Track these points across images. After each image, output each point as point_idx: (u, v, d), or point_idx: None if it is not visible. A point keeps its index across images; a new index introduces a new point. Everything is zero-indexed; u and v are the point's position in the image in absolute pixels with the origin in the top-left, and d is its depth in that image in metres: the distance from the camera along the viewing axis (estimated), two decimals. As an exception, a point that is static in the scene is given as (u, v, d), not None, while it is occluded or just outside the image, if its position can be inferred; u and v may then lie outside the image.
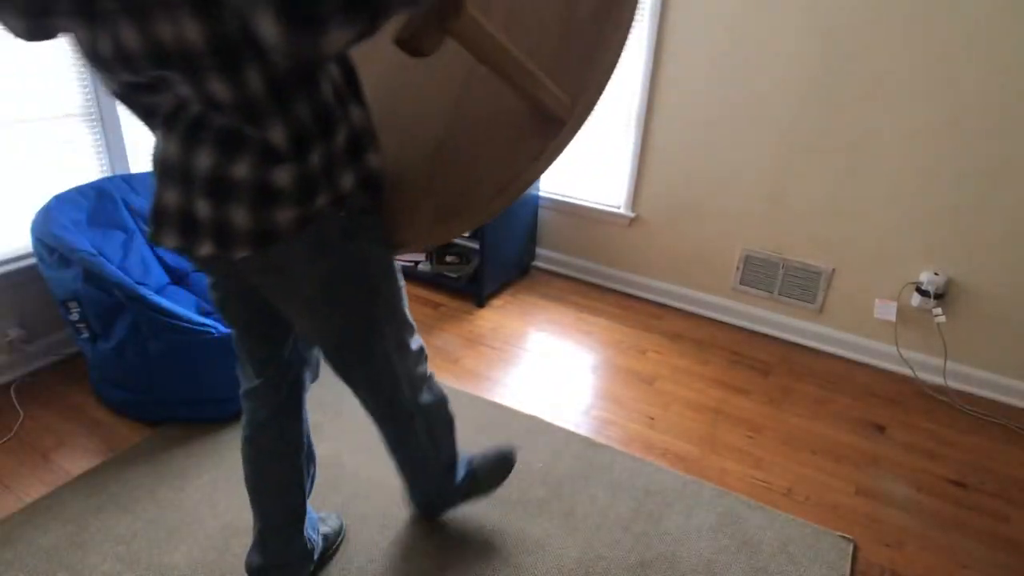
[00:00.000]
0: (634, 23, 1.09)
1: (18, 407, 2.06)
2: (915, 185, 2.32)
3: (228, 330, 1.97)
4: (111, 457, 1.87)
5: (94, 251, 1.93)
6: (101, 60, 0.99)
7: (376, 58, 1.35)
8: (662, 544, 1.69)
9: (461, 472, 1.61)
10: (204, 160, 0.99)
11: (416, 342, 1.34)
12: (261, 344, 1.32)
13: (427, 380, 1.40)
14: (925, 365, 2.50)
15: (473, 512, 1.74)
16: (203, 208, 1.01)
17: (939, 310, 2.36)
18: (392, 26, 1.24)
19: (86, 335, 1.97)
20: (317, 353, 1.45)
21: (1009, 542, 1.79)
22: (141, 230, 2.26)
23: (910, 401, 2.38)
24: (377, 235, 1.16)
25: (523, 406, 2.21)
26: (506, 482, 1.85)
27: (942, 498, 1.93)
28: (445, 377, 2.34)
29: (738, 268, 2.75)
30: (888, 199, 2.38)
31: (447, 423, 1.48)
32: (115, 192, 2.21)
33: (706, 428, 2.16)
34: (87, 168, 2.27)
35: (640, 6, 1.07)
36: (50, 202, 2.03)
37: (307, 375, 1.44)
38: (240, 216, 1.00)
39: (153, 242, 1.08)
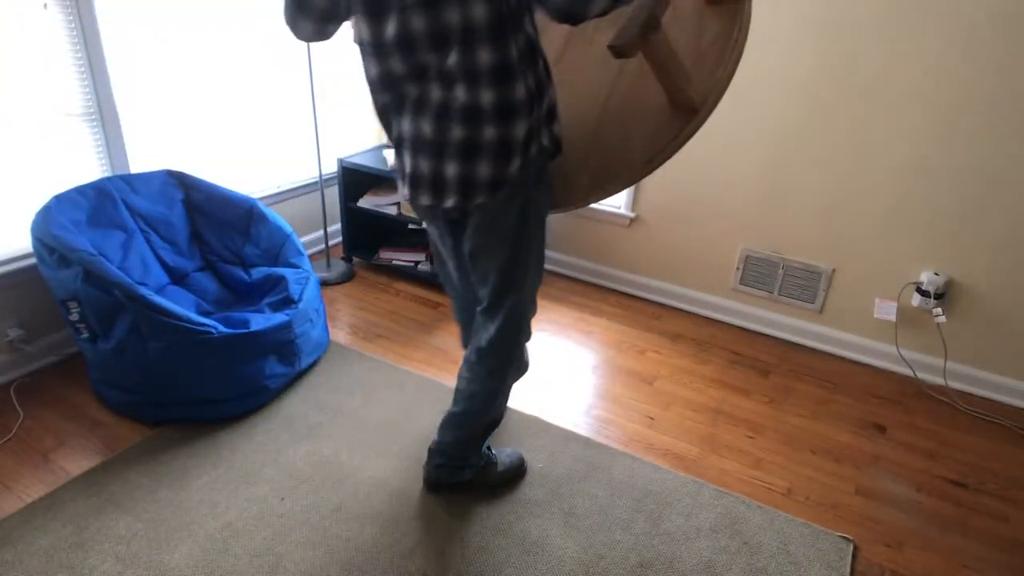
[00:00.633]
0: (744, 46, 1.44)
1: (18, 407, 2.06)
2: (915, 185, 2.32)
3: (232, 330, 1.97)
4: (111, 457, 1.87)
5: (94, 251, 1.93)
6: (380, 46, 1.31)
7: (549, 28, 1.73)
8: (662, 544, 1.69)
9: (484, 450, 1.81)
10: (456, 132, 1.32)
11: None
12: (466, 287, 1.71)
13: (528, 338, 1.69)
14: (925, 365, 2.50)
15: (473, 511, 1.74)
16: (452, 169, 1.36)
17: (939, 310, 2.36)
18: (559, 34, 1.72)
19: (86, 335, 1.97)
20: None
21: (1009, 542, 1.79)
22: (141, 230, 2.26)
23: (910, 401, 2.38)
24: (548, 190, 1.49)
25: (523, 406, 2.21)
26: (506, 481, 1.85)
27: (942, 498, 1.93)
28: (445, 377, 2.34)
29: (738, 268, 2.75)
30: (888, 199, 2.38)
31: (511, 384, 1.74)
32: (115, 192, 2.21)
33: (706, 428, 2.16)
34: (87, 168, 2.27)
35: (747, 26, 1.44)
36: (50, 202, 2.03)
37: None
38: (483, 169, 1.35)
39: (411, 202, 1.46)
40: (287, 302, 2.21)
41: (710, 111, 1.39)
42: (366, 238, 3.20)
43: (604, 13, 1.25)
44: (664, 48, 1.29)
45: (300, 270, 2.36)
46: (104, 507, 1.70)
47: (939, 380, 2.48)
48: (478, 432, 1.74)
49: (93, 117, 2.23)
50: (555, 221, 3.15)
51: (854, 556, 1.70)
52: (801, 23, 2.32)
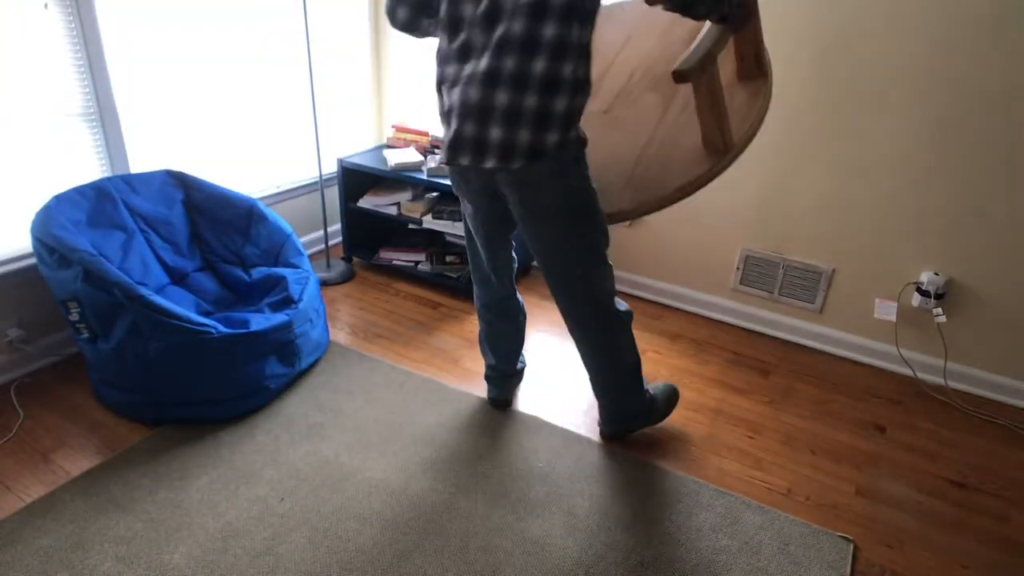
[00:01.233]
0: (767, 111, 1.76)
1: (18, 407, 2.06)
2: (915, 185, 2.32)
3: (232, 330, 1.97)
4: (111, 457, 1.87)
5: (94, 251, 1.93)
6: (459, 20, 1.55)
7: (602, 89, 2.02)
8: (662, 544, 1.69)
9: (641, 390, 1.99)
10: (501, 98, 1.49)
11: (609, 259, 1.78)
12: (495, 252, 1.90)
13: (615, 292, 1.83)
14: (925, 365, 2.50)
15: (473, 511, 1.75)
16: (495, 132, 1.51)
17: (939, 310, 2.36)
18: (610, 91, 2.01)
19: (86, 335, 1.97)
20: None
21: (1009, 542, 1.79)
22: (141, 230, 2.26)
23: (910, 401, 2.38)
24: (589, 181, 1.63)
25: (523, 406, 2.21)
26: (506, 481, 1.85)
27: (942, 498, 1.93)
28: (445, 377, 2.34)
29: (738, 268, 2.75)
30: (888, 199, 2.38)
31: (630, 329, 1.89)
32: (115, 192, 2.21)
33: (706, 428, 2.16)
34: (87, 168, 2.27)
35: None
36: (50, 202, 2.03)
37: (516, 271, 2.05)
38: (524, 136, 1.50)
39: (448, 162, 1.60)
40: (287, 302, 2.21)
41: (737, 155, 1.67)
42: (366, 238, 3.20)
43: (706, 15, 1.55)
44: (715, 81, 1.56)
45: (300, 270, 2.36)
46: (104, 507, 1.70)
47: (939, 380, 2.48)
48: (629, 381, 1.92)
49: (93, 117, 2.23)
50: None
51: (854, 556, 1.70)
52: (801, 23, 2.32)
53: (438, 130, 3.11)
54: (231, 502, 1.74)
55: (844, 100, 2.34)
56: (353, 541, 1.64)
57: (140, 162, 2.43)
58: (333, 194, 3.33)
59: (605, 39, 2.12)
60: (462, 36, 1.55)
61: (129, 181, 2.28)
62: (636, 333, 2.72)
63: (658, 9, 2.06)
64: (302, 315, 2.19)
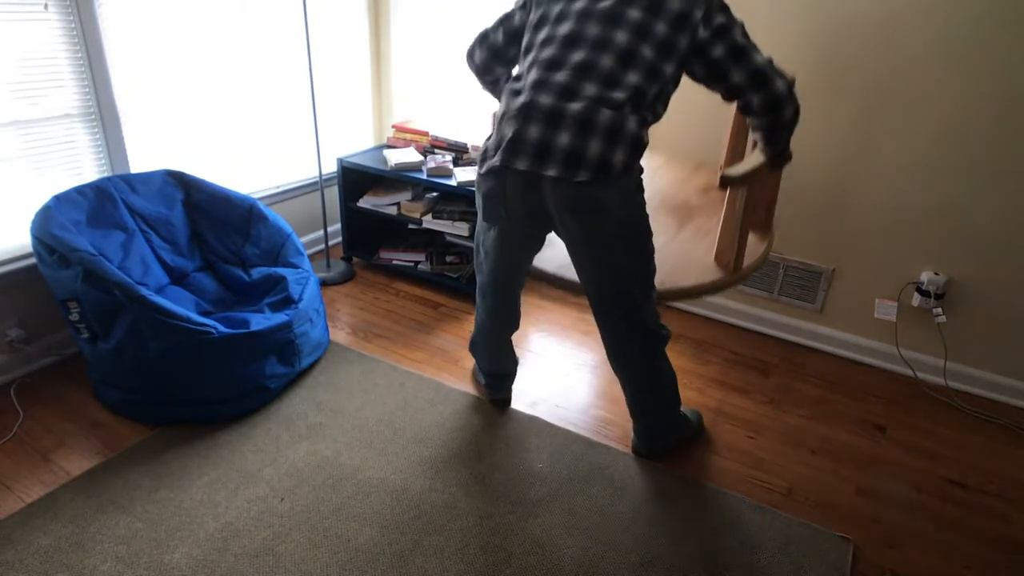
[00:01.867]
0: (767, 256, 2.04)
1: (18, 407, 2.06)
2: (915, 185, 2.32)
3: (232, 330, 1.97)
4: (111, 457, 1.87)
5: (94, 251, 1.93)
6: (549, 39, 1.56)
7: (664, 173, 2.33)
8: (662, 544, 1.69)
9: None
10: (575, 107, 1.44)
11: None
12: (513, 277, 1.85)
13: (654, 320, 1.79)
14: (925, 365, 2.50)
15: (473, 512, 1.75)
16: (563, 139, 1.44)
17: (939, 310, 2.36)
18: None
19: (86, 335, 1.97)
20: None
21: (1009, 542, 1.79)
22: (141, 230, 2.26)
23: (910, 401, 2.38)
24: (645, 211, 1.62)
25: (523, 406, 2.21)
26: (506, 481, 1.85)
27: (942, 498, 1.93)
28: (445, 377, 2.34)
29: (738, 268, 2.75)
30: (888, 199, 2.38)
31: (661, 352, 1.85)
32: (115, 192, 2.21)
33: (706, 428, 2.16)
34: (87, 168, 2.27)
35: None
36: (50, 202, 2.03)
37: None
38: (594, 147, 1.43)
39: (502, 164, 1.51)
40: (287, 302, 2.21)
41: (742, 279, 1.82)
42: (366, 238, 3.20)
43: (778, 148, 1.67)
44: (747, 200, 1.72)
45: (300, 270, 2.36)
46: (104, 507, 1.70)
47: (939, 380, 2.48)
48: (669, 398, 1.89)
49: (93, 117, 2.23)
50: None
51: (854, 556, 1.70)
52: (801, 22, 2.32)
53: (438, 130, 3.11)
54: (231, 502, 1.74)
55: (844, 100, 2.34)
56: (353, 541, 1.64)
57: (140, 162, 2.43)
58: (333, 194, 3.33)
59: (651, 150, 2.43)
60: (550, 49, 1.54)
61: (129, 181, 2.28)
62: (636, 333, 2.72)
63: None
64: (302, 315, 2.19)
